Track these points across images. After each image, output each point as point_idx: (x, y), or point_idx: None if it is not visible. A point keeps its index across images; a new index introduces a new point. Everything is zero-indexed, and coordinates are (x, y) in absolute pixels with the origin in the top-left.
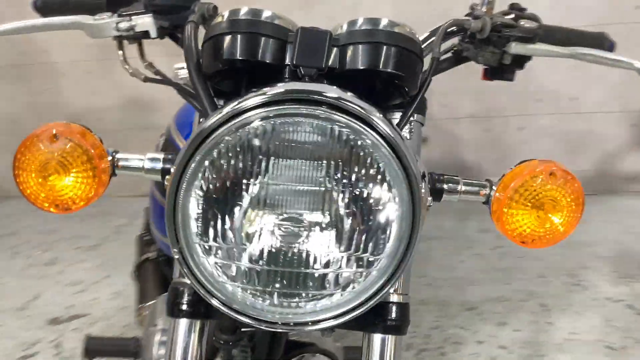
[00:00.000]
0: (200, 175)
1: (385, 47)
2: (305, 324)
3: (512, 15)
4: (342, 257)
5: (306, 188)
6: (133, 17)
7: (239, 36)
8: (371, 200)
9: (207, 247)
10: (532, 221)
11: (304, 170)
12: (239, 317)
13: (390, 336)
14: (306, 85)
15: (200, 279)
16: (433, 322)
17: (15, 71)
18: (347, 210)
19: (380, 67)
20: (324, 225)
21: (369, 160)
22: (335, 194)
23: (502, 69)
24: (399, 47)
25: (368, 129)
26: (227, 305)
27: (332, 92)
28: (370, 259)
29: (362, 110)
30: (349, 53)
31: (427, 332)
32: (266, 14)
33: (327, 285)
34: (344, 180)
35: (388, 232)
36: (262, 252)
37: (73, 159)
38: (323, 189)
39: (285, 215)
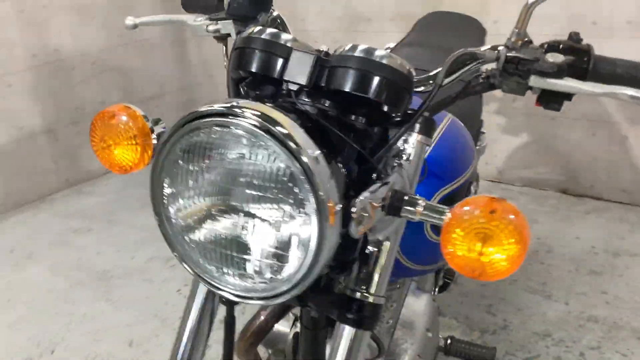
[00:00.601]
0: (166, 164)
1: (366, 74)
2: (251, 298)
3: (538, 47)
4: (266, 249)
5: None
6: (219, 22)
7: (246, 51)
8: (282, 213)
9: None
10: (474, 255)
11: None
12: (204, 284)
13: (358, 330)
14: (227, 106)
15: (175, 246)
16: (593, 342)
17: None
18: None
19: (359, 91)
20: (255, 222)
21: (283, 179)
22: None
23: (550, 98)
24: (382, 76)
25: (287, 152)
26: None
27: (250, 118)
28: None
29: (282, 135)
30: (336, 74)
31: (583, 350)
32: (277, 35)
33: (257, 270)
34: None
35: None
36: (206, 232)
37: (122, 134)
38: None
39: (222, 207)
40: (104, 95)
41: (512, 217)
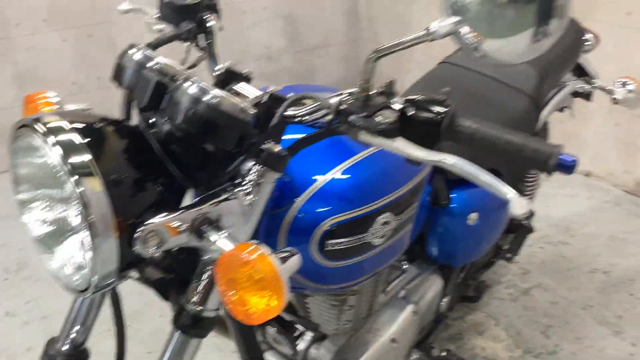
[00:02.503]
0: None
1: (188, 109)
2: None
3: (381, 102)
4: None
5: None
6: (159, 24)
7: (117, 64)
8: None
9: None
10: (233, 299)
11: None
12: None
13: (192, 339)
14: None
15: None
16: None
17: None
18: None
19: (183, 123)
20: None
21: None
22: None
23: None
24: (204, 114)
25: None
26: None
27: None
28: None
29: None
30: (170, 102)
31: None
32: (131, 56)
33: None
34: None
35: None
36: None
37: None
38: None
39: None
40: (270, 40)
41: (261, 266)
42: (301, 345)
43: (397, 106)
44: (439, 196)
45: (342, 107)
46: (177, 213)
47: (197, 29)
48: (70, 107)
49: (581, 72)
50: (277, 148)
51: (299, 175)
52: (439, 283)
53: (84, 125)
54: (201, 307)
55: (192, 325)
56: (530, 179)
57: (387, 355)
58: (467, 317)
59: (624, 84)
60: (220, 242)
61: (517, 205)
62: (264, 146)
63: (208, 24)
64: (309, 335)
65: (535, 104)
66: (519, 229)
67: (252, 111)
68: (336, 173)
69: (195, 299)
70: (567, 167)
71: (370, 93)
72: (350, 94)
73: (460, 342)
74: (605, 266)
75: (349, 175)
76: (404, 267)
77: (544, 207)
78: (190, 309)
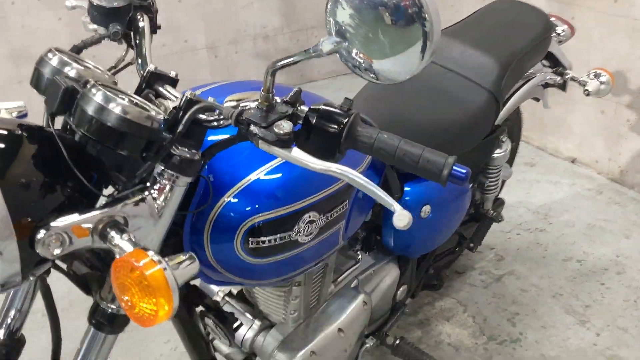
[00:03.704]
0: None
1: (91, 117)
2: None
3: (284, 111)
4: None
5: None
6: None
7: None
8: None
9: None
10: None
11: None
12: None
13: (107, 335)
14: None
15: None
16: None
17: None
18: None
19: (87, 131)
20: None
21: None
22: None
23: None
24: (108, 121)
25: None
26: None
27: None
28: None
29: None
30: (77, 109)
31: None
32: (46, 61)
33: None
34: None
35: None
36: None
37: None
38: None
39: None
40: (265, 20)
41: (149, 272)
42: (248, 334)
43: (301, 115)
44: (391, 189)
45: (242, 117)
46: (84, 216)
47: (126, 30)
48: (1, 105)
49: (555, 63)
50: (189, 153)
51: (224, 174)
52: (395, 273)
53: None
54: (114, 306)
55: (106, 322)
56: (491, 171)
57: (333, 344)
58: (436, 303)
59: (596, 75)
60: (122, 244)
61: (399, 217)
62: (176, 151)
63: (140, 24)
64: (256, 325)
65: (494, 98)
66: (483, 219)
67: (161, 117)
68: (261, 173)
69: (110, 297)
70: (460, 178)
71: (273, 102)
72: (254, 103)
73: (427, 328)
74: (580, 254)
75: (274, 175)
76: (359, 257)
77: (525, 193)
78: (105, 306)
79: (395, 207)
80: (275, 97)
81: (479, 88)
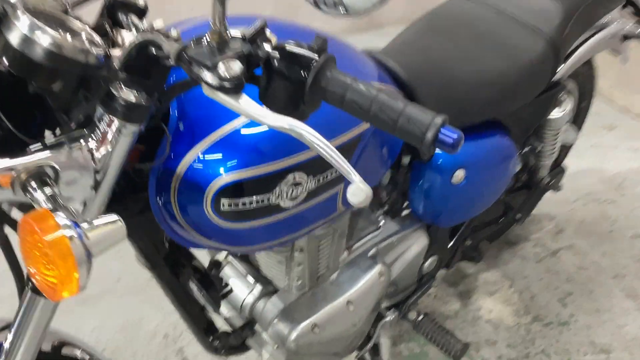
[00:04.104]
0: None
1: (14, 50)
2: None
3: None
4: None
5: None
6: None
7: None
8: None
9: None
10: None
11: None
12: None
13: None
14: None
15: None
16: None
17: None
18: None
19: (5, 65)
20: None
21: None
22: None
23: None
24: (32, 54)
25: None
26: None
27: None
28: None
29: None
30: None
31: None
32: None
33: None
34: None
35: None
36: None
37: None
38: None
39: None
40: None
41: (49, 238)
42: (249, 298)
43: (261, 56)
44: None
45: (184, 55)
46: (3, 162)
47: None
48: None
49: (637, 11)
50: (134, 95)
51: (196, 123)
52: (423, 242)
53: None
54: None
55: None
56: (547, 134)
57: (340, 318)
58: (480, 275)
59: None
60: (39, 199)
61: (355, 192)
62: (118, 93)
63: None
64: (257, 289)
65: (553, 48)
66: (534, 188)
67: (101, 51)
68: (239, 123)
69: None
70: (447, 144)
71: (225, 38)
72: (201, 38)
73: (466, 301)
74: None
75: (255, 127)
76: (380, 223)
77: (598, 159)
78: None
79: (354, 176)
80: (231, 31)
81: (536, 35)
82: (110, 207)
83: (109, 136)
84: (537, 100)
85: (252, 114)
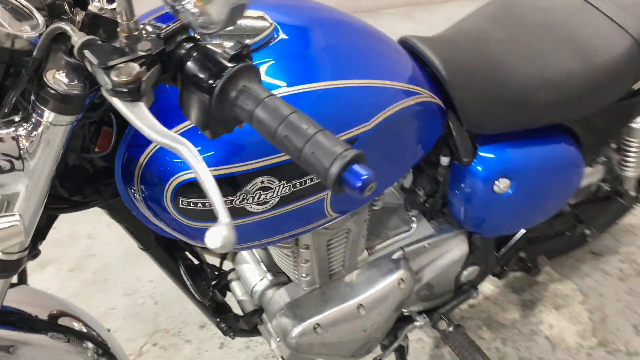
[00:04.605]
0: None
1: None
2: None
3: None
4: None
5: None
6: None
7: None
8: None
9: None
10: None
11: None
12: None
13: None
14: None
15: None
16: None
17: None
18: None
19: None
20: None
21: None
22: None
23: None
24: None
25: None
26: None
27: None
28: None
29: None
30: None
31: None
32: None
33: None
34: None
35: None
36: None
37: None
38: None
39: None
40: None
41: None
42: (259, 286)
43: (177, 56)
44: (457, 150)
45: (82, 51)
46: None
47: None
48: None
49: None
50: (68, 85)
51: (164, 114)
52: (462, 250)
53: None
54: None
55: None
56: (630, 144)
57: (347, 321)
58: (551, 285)
59: None
60: None
61: (212, 234)
62: (50, 81)
63: None
64: (267, 278)
65: None
66: (609, 202)
67: (33, 34)
68: None
69: None
70: (351, 185)
71: (137, 34)
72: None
73: (527, 312)
74: None
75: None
76: (413, 224)
77: None
78: None
79: (221, 217)
80: (148, 27)
81: (621, 32)
82: (82, 190)
83: (41, 126)
84: (617, 106)
85: (142, 128)
